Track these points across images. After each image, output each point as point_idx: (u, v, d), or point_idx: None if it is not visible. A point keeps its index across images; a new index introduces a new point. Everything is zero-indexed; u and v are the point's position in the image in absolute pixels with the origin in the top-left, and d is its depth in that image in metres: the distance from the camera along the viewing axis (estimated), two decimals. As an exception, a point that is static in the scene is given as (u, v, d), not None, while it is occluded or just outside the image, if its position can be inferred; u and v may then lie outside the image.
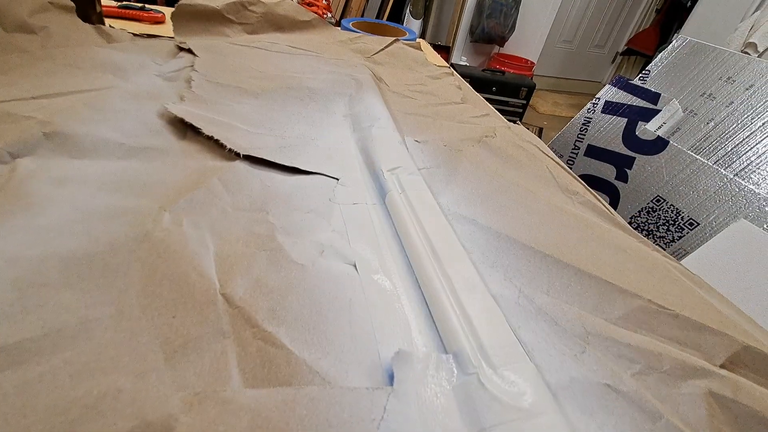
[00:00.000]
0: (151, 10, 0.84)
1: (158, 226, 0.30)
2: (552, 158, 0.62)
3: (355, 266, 0.33)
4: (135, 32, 0.69)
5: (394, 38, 0.90)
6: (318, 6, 3.37)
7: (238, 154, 0.41)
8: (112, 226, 0.29)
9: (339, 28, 0.90)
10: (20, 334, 0.22)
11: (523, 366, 0.28)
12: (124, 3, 0.85)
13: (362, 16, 3.54)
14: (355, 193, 0.43)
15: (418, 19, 3.56)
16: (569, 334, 0.33)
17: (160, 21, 0.83)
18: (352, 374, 0.25)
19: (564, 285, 0.36)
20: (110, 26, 0.70)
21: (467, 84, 0.93)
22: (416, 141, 0.56)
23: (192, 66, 0.55)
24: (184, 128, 0.43)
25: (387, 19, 3.55)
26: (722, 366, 0.31)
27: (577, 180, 0.57)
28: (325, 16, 3.26)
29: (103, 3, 0.80)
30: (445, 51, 3.40)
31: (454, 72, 0.88)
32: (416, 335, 0.29)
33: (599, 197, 0.55)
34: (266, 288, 0.29)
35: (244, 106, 0.51)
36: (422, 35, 3.62)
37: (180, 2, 0.67)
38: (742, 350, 0.32)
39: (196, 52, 0.59)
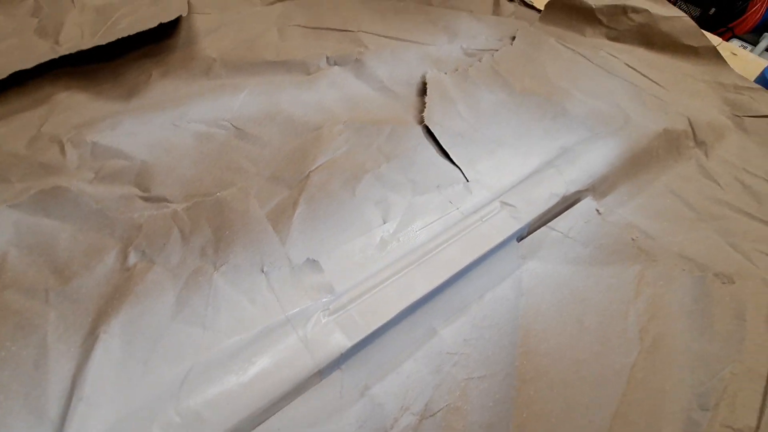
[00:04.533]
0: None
1: (335, 128, 0.53)
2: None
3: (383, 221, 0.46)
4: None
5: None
6: None
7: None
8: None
9: (732, 70, 0.70)
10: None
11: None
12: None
13: None
14: (460, 197, 0.50)
15: None
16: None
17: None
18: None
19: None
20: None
21: None
22: (597, 210, 0.51)
23: (495, 51, 0.67)
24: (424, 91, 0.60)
25: None
26: None
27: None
28: None
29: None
30: None
31: None
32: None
33: None
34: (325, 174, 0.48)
35: (489, 95, 0.61)
36: None
37: (560, -6, 0.74)
38: None
39: (516, 41, 0.69)
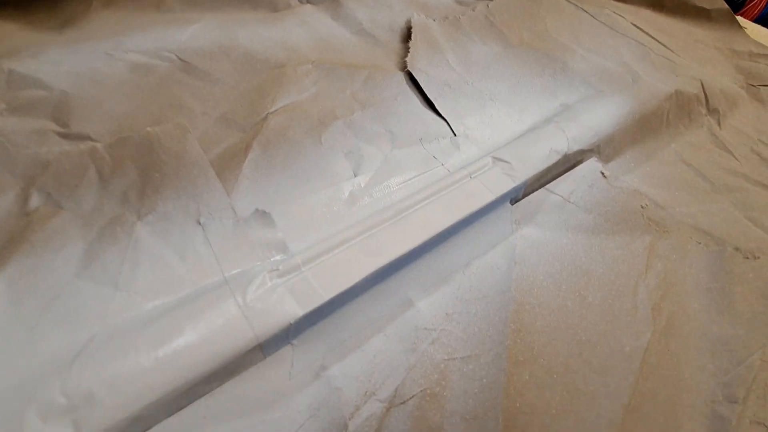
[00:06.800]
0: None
1: (301, 67, 0.45)
2: None
3: (354, 174, 0.39)
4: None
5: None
6: None
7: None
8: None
9: (748, 35, 0.64)
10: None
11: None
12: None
13: None
14: (446, 153, 0.43)
15: None
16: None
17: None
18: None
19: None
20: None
21: None
22: (602, 173, 0.44)
23: (490, 1, 0.59)
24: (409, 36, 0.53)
25: None
26: None
27: None
28: None
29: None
30: None
31: None
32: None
33: None
34: (286, 129, 0.40)
35: (482, 46, 0.54)
36: None
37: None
38: None
39: (515, -7, 0.62)
